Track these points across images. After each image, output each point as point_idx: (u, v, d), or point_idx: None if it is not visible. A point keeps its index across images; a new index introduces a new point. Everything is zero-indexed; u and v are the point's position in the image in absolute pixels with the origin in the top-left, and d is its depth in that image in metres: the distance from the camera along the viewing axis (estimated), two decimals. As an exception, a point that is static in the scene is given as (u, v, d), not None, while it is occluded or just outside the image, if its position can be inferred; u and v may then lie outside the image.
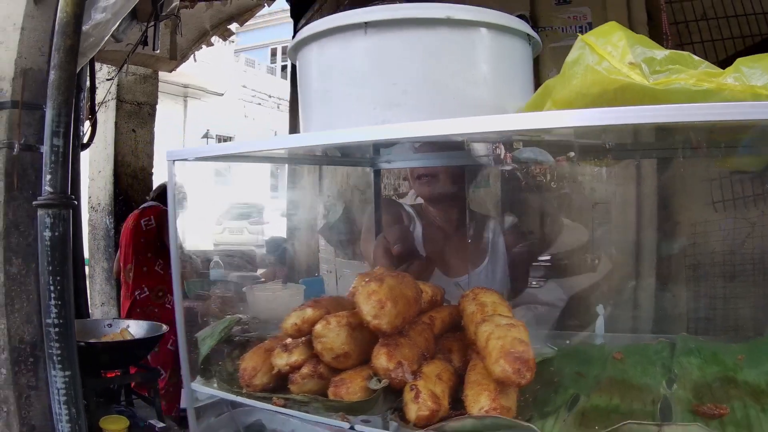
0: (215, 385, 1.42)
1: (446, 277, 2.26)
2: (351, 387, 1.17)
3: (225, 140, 22.97)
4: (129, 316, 5.09)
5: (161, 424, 3.17)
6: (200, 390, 1.43)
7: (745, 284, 3.12)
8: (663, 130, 1.38)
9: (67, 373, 2.58)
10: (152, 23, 5.06)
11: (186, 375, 1.44)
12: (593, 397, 1.24)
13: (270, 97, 23.78)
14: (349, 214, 4.81)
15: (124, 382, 3.47)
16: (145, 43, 5.20)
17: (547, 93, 1.23)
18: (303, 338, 1.28)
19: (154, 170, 7.18)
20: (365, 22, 1.25)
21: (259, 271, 4.92)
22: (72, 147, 2.73)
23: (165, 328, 3.59)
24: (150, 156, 7.11)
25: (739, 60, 1.12)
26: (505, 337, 1.10)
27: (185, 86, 19.04)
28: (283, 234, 5.40)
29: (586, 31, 3.51)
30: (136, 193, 6.80)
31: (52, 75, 2.66)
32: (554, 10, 3.74)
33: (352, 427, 1.15)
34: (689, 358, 1.46)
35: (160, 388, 3.61)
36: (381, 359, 1.15)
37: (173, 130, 18.32)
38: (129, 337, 3.49)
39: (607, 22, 1.19)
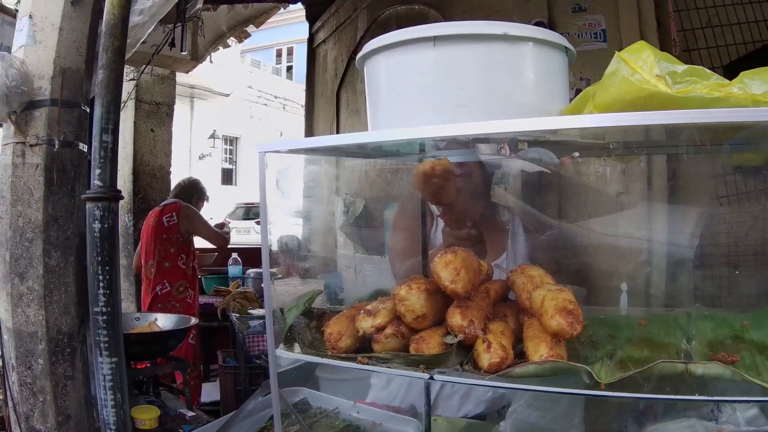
0: (298, 350, 1.64)
1: None
2: (430, 343, 1.41)
3: (231, 141, 23.11)
4: (150, 311, 5.18)
5: (191, 413, 3.31)
6: (284, 356, 1.63)
7: (747, 269, 3.31)
8: (679, 131, 1.61)
9: (114, 359, 2.61)
10: (178, 24, 5.24)
11: (271, 342, 1.64)
12: (627, 351, 1.48)
13: (276, 97, 23.83)
14: (369, 210, 4.96)
15: (154, 372, 3.60)
16: (172, 44, 5.39)
17: (587, 98, 1.49)
18: (383, 305, 1.51)
19: (171, 169, 7.37)
20: (434, 36, 1.49)
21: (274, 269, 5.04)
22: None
23: (194, 320, 3.75)
24: (168, 155, 7.30)
25: (743, 73, 1.35)
26: (557, 298, 1.35)
27: (192, 87, 19.09)
28: (295, 232, 5.52)
29: (600, 37, 3.72)
30: (155, 192, 7.02)
31: (101, 74, 2.71)
32: (570, 17, 3.96)
33: (431, 377, 1.38)
34: (704, 322, 1.71)
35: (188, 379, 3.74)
36: (456, 318, 1.41)
37: (180, 131, 18.32)
38: (157, 330, 3.65)
39: (638, 41, 1.44)
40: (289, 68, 26.83)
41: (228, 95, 21.36)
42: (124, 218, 6.96)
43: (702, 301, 3.16)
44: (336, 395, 2.48)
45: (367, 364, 1.48)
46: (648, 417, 1.85)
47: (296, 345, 1.66)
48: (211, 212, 7.86)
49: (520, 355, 1.42)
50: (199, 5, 5.01)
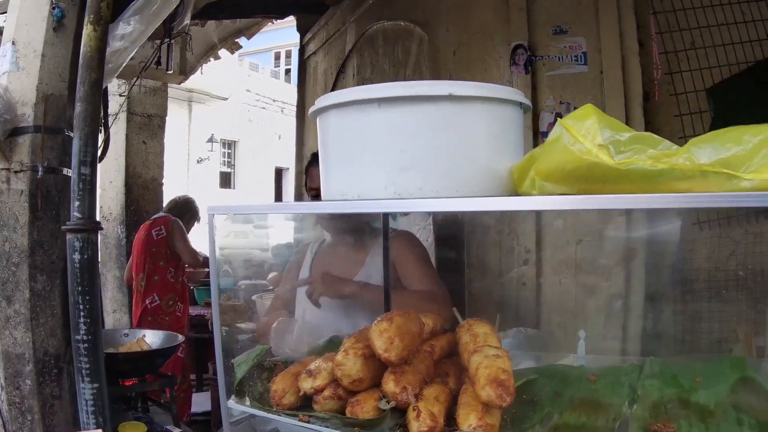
0: (248, 403, 1.66)
1: None
2: (365, 407, 1.42)
3: (229, 144, 23.08)
4: (140, 324, 5.34)
5: (177, 430, 3.30)
6: (235, 408, 1.66)
7: (726, 302, 3.31)
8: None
9: (95, 385, 2.71)
10: (165, 42, 5.24)
11: (223, 395, 1.67)
12: (565, 415, 1.48)
13: (274, 101, 23.77)
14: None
15: (142, 389, 3.61)
16: (158, 62, 5.40)
17: (533, 160, 1.46)
18: (325, 365, 1.53)
19: (164, 180, 7.37)
20: (379, 98, 1.49)
21: (268, 277, 5.06)
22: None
23: (180, 338, 3.78)
24: (160, 167, 7.27)
25: (691, 140, 1.30)
26: (491, 366, 1.35)
27: (190, 91, 19.04)
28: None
29: (581, 60, 3.72)
30: (147, 203, 7.01)
31: (78, 107, 2.77)
32: (552, 40, 3.95)
33: (365, 441, 1.39)
34: (652, 380, 1.69)
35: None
36: (389, 385, 1.41)
37: (178, 135, 18.35)
38: (145, 347, 3.64)
39: (585, 105, 1.38)
40: (288, 71, 26.77)
41: (226, 99, 21.27)
42: (117, 230, 6.96)
43: (673, 343, 3.19)
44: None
45: (308, 422, 1.50)
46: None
47: (247, 397, 1.68)
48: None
49: (455, 420, 1.41)
50: (186, 22, 5.00)
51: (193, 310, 6.24)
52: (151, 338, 3.79)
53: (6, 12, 3.35)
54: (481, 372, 1.35)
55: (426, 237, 3.99)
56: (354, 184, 1.54)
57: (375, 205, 1.46)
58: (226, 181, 22.98)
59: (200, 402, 6.06)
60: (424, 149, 1.49)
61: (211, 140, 20.98)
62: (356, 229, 2.65)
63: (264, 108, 23.62)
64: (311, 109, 1.70)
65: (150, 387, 3.66)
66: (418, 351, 1.55)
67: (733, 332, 2.94)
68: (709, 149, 1.27)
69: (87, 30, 2.80)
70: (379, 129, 1.51)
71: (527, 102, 1.66)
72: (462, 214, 3.80)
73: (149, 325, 5.15)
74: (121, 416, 3.25)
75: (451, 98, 1.49)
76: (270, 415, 1.57)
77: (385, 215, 2.18)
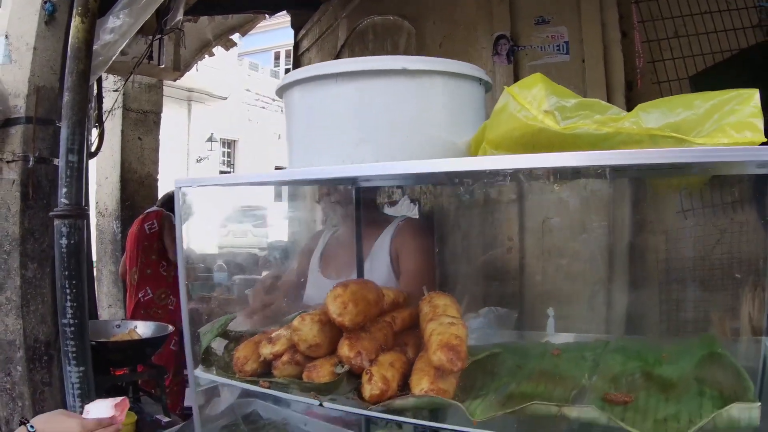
0: (214, 372, 1.69)
1: None
2: (321, 371, 1.45)
3: (229, 144, 23.12)
4: (133, 317, 5.36)
5: (167, 419, 3.35)
6: (202, 376, 1.70)
7: (706, 290, 3.32)
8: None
9: (81, 368, 2.76)
10: (157, 37, 5.28)
11: (190, 363, 1.71)
12: (522, 385, 1.50)
13: (274, 100, 23.77)
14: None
15: (132, 379, 3.65)
16: (150, 57, 5.44)
17: (484, 130, 1.48)
18: (285, 332, 1.56)
19: (159, 176, 7.41)
20: (337, 73, 1.52)
21: (263, 274, 5.08)
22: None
23: (171, 328, 3.81)
24: (155, 163, 7.31)
25: (639, 106, 1.30)
26: (444, 333, 1.37)
27: (189, 90, 19.10)
28: (286, 238, 5.56)
29: (563, 50, 3.74)
30: (142, 199, 7.04)
31: (66, 96, 2.83)
32: (534, 30, 3.96)
33: (321, 404, 1.42)
34: (615, 354, 1.70)
35: (165, 386, 3.82)
36: (344, 349, 1.44)
37: (178, 134, 18.39)
38: (137, 337, 3.71)
39: (532, 74, 1.38)
40: (287, 71, 26.76)
41: (226, 98, 21.37)
42: (113, 225, 7.00)
43: (655, 325, 3.20)
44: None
45: (269, 387, 1.53)
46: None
47: (213, 367, 1.71)
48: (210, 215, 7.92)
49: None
50: (179, 18, 5.03)
51: (189, 304, 6.25)
52: (143, 329, 3.84)
53: (-1, 7, 3.40)
54: (434, 338, 1.37)
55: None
56: (314, 158, 1.57)
57: (336, 171, 1.48)
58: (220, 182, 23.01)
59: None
60: (380, 123, 1.52)
61: (210, 139, 21.02)
62: (366, 219, 2.67)
63: (264, 108, 23.67)
64: (277, 86, 1.73)
65: (140, 376, 3.71)
66: (377, 321, 1.58)
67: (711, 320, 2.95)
68: (657, 114, 1.27)
69: (75, 22, 2.85)
70: (337, 103, 1.54)
71: (486, 78, 1.68)
72: (448, 204, 3.86)
73: (142, 319, 5.15)
74: (113, 406, 3.29)
75: (405, 72, 1.51)
76: (232, 382, 1.60)
77: (357, 190, 2.21)
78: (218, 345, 1.83)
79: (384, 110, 1.52)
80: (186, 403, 5.77)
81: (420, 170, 1.32)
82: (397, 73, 1.51)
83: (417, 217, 4.18)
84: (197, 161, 20.73)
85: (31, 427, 1.64)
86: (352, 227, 2.58)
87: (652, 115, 1.27)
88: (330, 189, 2.66)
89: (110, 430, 1.69)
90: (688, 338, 1.84)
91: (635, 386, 1.48)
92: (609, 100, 3.63)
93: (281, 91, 1.71)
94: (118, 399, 1.81)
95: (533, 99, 1.32)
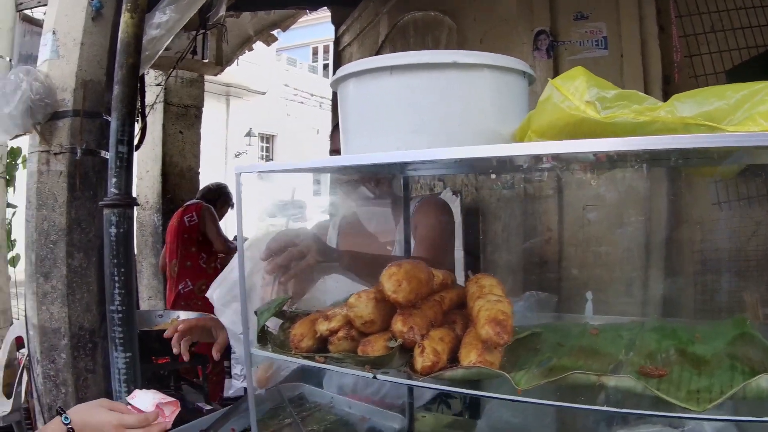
0: (270, 349, 1.80)
1: None
2: (375, 346, 1.55)
3: (267, 138, 23.29)
4: (173, 309, 5.40)
5: (208, 407, 3.42)
6: (258, 353, 1.79)
7: (742, 278, 3.37)
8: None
9: (128, 354, 2.85)
10: (200, 32, 5.42)
11: (246, 343, 1.81)
12: (563, 360, 1.59)
13: (312, 95, 23.94)
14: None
15: (174, 367, 3.76)
16: (194, 52, 5.58)
17: (530, 121, 1.59)
18: (340, 310, 1.66)
19: (200, 170, 7.55)
20: (391, 66, 1.62)
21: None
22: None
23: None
24: (197, 156, 7.44)
25: (674, 96, 1.37)
26: (491, 309, 1.47)
27: (228, 85, 19.27)
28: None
29: (601, 45, 3.82)
30: (183, 192, 7.17)
31: (116, 89, 2.93)
32: (573, 25, 4.04)
33: (374, 377, 1.53)
34: (650, 333, 1.79)
35: (207, 374, 3.91)
36: (398, 324, 1.54)
37: (216, 129, 18.54)
38: (179, 327, 3.81)
39: (574, 67, 1.46)
40: (326, 66, 26.93)
41: (264, 93, 21.51)
42: (153, 218, 7.13)
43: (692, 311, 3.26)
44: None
45: (324, 362, 1.63)
46: (617, 421, 1.96)
47: (269, 344, 1.81)
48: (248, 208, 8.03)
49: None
50: (222, 13, 5.16)
51: (230, 296, 6.36)
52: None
53: (47, 5, 3.53)
54: (482, 314, 1.47)
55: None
56: (369, 147, 1.67)
57: (386, 157, 1.59)
58: (263, 174, 23.16)
59: (233, 388, 6.21)
60: (433, 113, 1.61)
61: (249, 134, 21.17)
62: (387, 203, 2.76)
63: (302, 102, 23.79)
64: (332, 78, 1.84)
65: (182, 365, 3.80)
66: (427, 299, 1.68)
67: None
68: (691, 103, 1.33)
69: (124, 17, 2.95)
70: (391, 94, 1.63)
71: (530, 71, 1.77)
72: (489, 196, 3.94)
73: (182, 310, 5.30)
74: (155, 393, 3.39)
75: (456, 66, 1.61)
76: (289, 358, 1.70)
77: (405, 179, 2.30)
78: (273, 324, 1.91)
79: (435, 101, 1.61)
80: (225, 394, 5.91)
81: (472, 155, 1.40)
82: (448, 66, 1.61)
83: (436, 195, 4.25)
84: (236, 156, 20.90)
85: (66, 418, 1.71)
86: (372, 213, 2.75)
87: (686, 105, 1.34)
88: (370, 176, 2.72)
89: (154, 429, 1.78)
90: (720, 321, 1.90)
91: (670, 362, 1.56)
92: (646, 93, 3.70)
93: (336, 83, 1.81)
94: (169, 399, 1.90)
95: (575, 90, 1.41)
